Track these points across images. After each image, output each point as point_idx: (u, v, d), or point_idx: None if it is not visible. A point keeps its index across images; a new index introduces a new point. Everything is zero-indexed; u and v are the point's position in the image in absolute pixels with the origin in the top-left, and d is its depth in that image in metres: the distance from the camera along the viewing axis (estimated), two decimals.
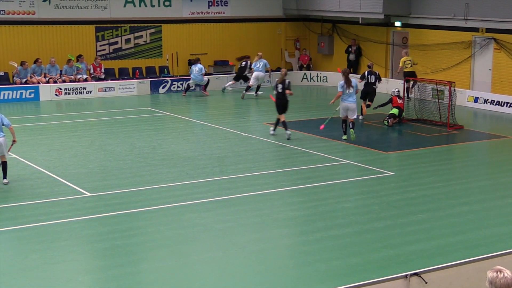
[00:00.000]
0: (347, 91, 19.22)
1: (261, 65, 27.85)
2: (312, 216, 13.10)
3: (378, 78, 23.62)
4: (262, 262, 10.92)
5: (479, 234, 12.12)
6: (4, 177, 14.83)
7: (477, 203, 14.01)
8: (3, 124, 14.80)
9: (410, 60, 26.86)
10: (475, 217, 13.08)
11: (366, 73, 23.51)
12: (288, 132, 19.53)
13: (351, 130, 19.39)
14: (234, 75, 29.78)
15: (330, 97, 28.15)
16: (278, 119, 19.84)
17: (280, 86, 19.70)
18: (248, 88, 27.84)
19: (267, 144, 19.17)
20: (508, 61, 25.36)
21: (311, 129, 21.20)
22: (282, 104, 19.73)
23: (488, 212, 13.44)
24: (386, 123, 21.89)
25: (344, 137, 19.60)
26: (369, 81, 23.29)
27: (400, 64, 27.08)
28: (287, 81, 19.79)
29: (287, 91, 19.64)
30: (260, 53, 28.49)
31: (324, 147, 18.82)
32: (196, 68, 28.13)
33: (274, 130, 20.12)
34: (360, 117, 22.59)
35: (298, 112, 24.60)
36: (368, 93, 23.16)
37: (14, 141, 14.98)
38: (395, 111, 21.97)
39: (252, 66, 28.18)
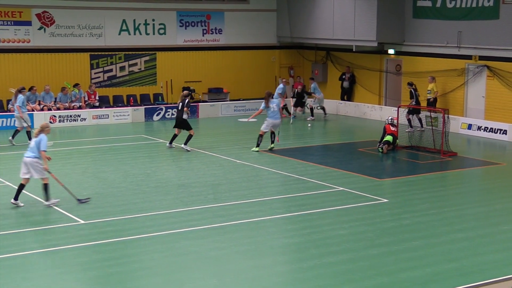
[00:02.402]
0: (271, 110, 21.66)
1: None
2: (306, 243, 13.08)
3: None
4: None
5: (474, 261, 12.11)
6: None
7: (472, 230, 14.01)
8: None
9: (436, 87, 26.60)
10: (470, 244, 13.07)
11: (413, 90, 26.22)
12: (185, 147, 21.83)
13: (274, 142, 21.99)
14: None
15: (324, 124, 28.43)
16: (175, 134, 22.16)
17: (180, 104, 22.19)
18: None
19: (261, 171, 19.17)
20: (501, 88, 25.50)
21: (305, 156, 21.24)
22: (178, 119, 22.24)
23: (482, 239, 13.42)
24: (380, 150, 21.94)
25: (271, 145, 21.96)
26: (418, 98, 26.31)
27: (435, 90, 26.44)
28: (186, 100, 22.10)
29: (185, 108, 21.93)
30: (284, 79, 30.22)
31: (318, 174, 18.83)
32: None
33: (170, 143, 22.27)
34: (409, 129, 25.12)
35: (292, 140, 24.64)
36: (416, 109, 25.70)
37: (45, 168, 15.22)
38: (389, 138, 22.02)
39: None
